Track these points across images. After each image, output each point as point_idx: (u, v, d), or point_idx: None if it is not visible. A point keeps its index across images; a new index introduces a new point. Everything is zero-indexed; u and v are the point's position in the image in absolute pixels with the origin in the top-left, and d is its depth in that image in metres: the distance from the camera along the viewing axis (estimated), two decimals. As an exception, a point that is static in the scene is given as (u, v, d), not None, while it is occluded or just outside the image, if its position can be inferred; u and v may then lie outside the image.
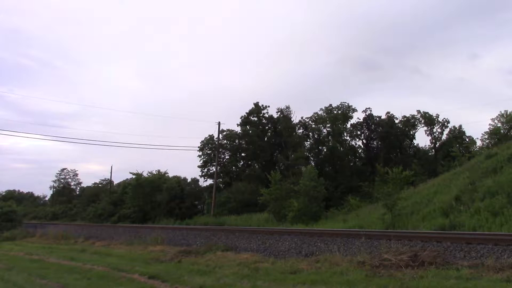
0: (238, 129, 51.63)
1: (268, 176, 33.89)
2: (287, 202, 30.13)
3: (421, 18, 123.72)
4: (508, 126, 40.72)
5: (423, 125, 51.07)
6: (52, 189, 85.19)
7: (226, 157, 51.99)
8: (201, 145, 50.71)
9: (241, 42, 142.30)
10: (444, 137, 50.66)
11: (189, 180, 55.97)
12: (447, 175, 25.67)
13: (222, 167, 50.17)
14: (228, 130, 51.19)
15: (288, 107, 50.63)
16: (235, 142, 51.85)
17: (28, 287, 10.86)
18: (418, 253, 9.40)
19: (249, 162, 51.62)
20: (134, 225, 34.61)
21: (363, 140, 53.10)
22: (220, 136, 46.56)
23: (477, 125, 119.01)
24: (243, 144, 51.25)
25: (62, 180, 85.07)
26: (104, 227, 32.74)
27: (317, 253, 12.74)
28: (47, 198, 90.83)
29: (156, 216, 44.27)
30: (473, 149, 39.44)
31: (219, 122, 43.16)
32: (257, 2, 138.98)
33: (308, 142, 52.06)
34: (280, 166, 46.81)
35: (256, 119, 51.76)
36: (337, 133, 50.15)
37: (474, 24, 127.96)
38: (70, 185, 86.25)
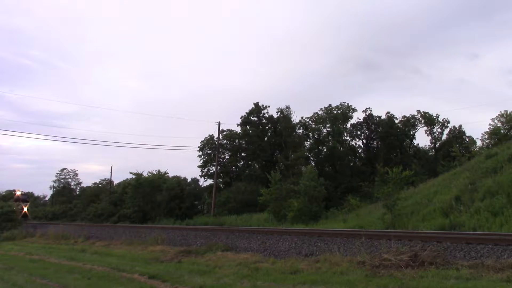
0: (238, 129, 51.72)
1: (268, 176, 33.90)
2: (287, 202, 30.11)
3: (421, 18, 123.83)
4: (508, 126, 40.75)
5: (423, 125, 51.19)
6: (52, 189, 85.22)
7: (226, 157, 51.98)
8: (201, 145, 50.74)
9: (241, 42, 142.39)
10: (444, 137, 50.77)
11: (189, 180, 56.15)
12: (447, 175, 25.67)
13: (222, 167, 50.16)
14: (228, 130, 51.26)
15: (288, 107, 50.65)
16: (235, 142, 51.84)
17: (28, 287, 10.86)
18: (418, 253, 9.40)
19: (249, 162, 51.61)
20: (134, 225, 34.58)
21: (363, 140, 53.19)
22: (220, 136, 46.59)
23: (477, 125, 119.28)
24: (243, 144, 51.24)
25: (62, 180, 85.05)
26: (104, 227, 32.73)
27: (317, 253, 12.74)
28: (47, 198, 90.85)
29: (156, 216, 44.26)
30: (473, 149, 39.44)
31: (219, 122, 43.24)
32: (257, 2, 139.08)
33: (308, 142, 52.11)
34: (280, 166, 46.80)
35: (256, 119, 51.77)
36: (337, 133, 50.20)
37: (474, 24, 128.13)
38: (70, 185, 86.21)
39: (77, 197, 74.23)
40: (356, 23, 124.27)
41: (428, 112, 50.73)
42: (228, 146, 51.59)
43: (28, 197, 64.05)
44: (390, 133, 49.58)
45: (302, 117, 52.84)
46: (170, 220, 40.38)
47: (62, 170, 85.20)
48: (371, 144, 52.91)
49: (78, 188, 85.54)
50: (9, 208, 39.89)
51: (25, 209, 52.75)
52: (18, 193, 57.49)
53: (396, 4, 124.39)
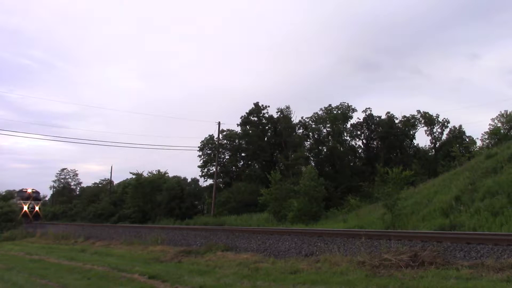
0: (238, 129, 51.73)
1: (268, 176, 33.88)
2: (287, 202, 30.10)
3: (421, 18, 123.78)
4: (508, 126, 40.70)
5: (423, 125, 51.08)
6: (52, 189, 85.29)
7: (226, 157, 51.98)
8: (201, 145, 50.73)
9: (241, 42, 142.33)
10: (444, 137, 50.68)
11: (189, 180, 56.03)
12: (447, 175, 25.65)
13: (222, 167, 50.17)
14: (228, 130, 51.25)
15: (288, 107, 50.67)
16: (235, 142, 51.84)
17: (28, 287, 10.86)
18: (418, 253, 9.41)
19: (249, 162, 51.61)
20: (134, 225, 34.63)
21: (363, 140, 53.13)
22: (220, 136, 46.61)
23: (477, 125, 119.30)
24: (243, 144, 51.24)
25: (62, 180, 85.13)
26: (104, 227, 32.76)
27: (317, 253, 12.75)
28: (47, 198, 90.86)
29: (156, 216, 44.31)
30: (473, 149, 39.40)
31: (219, 122, 43.23)
32: (257, 2, 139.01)
33: (308, 142, 52.07)
34: (280, 166, 46.79)
35: (256, 119, 51.75)
36: (337, 133, 50.15)
37: (474, 24, 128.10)
38: (70, 185, 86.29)
39: (77, 197, 74.25)
40: (356, 23, 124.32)
41: (428, 112, 50.68)
42: (228, 146, 51.58)
43: (40, 195, 57.77)
44: (390, 133, 49.54)
45: (302, 117, 52.86)
46: (170, 220, 40.42)
47: (62, 170, 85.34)
48: (371, 144, 52.88)
49: (78, 188, 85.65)
50: (9, 208, 39.88)
51: (36, 208, 49.16)
52: (29, 190, 51.96)
53: (396, 4, 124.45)
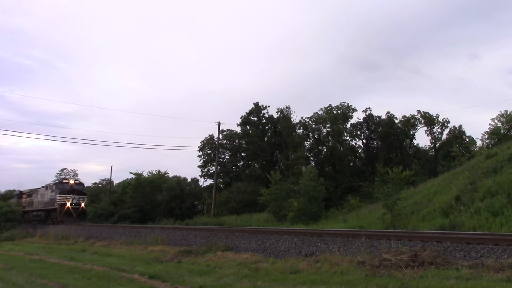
0: (238, 129, 51.72)
1: (268, 176, 33.88)
2: (287, 202, 30.12)
3: (421, 18, 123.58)
4: (508, 126, 40.74)
5: (423, 125, 51.09)
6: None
7: (226, 157, 52.00)
8: (201, 145, 50.75)
9: (241, 42, 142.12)
10: (444, 137, 50.68)
11: (189, 180, 56.08)
12: (447, 175, 25.67)
13: (222, 167, 50.17)
14: (228, 130, 51.23)
15: (288, 107, 50.65)
16: (235, 142, 51.86)
17: (28, 287, 10.87)
18: (418, 253, 9.41)
19: (249, 162, 51.62)
20: (134, 225, 34.58)
21: (363, 140, 53.14)
22: (220, 136, 46.59)
23: (477, 125, 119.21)
24: (243, 144, 51.26)
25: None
26: (104, 227, 32.71)
27: (317, 253, 12.74)
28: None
29: (156, 216, 44.24)
30: (473, 149, 39.43)
31: (219, 122, 43.17)
32: (257, 2, 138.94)
33: (308, 142, 52.07)
34: (280, 166, 46.81)
35: (256, 119, 51.76)
36: (337, 133, 50.15)
37: (474, 24, 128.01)
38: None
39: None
40: (356, 23, 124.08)
41: (428, 112, 50.67)
42: (228, 146, 51.59)
43: (84, 188, 46.83)
44: (390, 133, 49.54)
45: (302, 117, 52.81)
46: (170, 220, 40.35)
47: (62, 170, 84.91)
48: (371, 144, 52.89)
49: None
50: (9, 208, 39.88)
51: (82, 204, 41.03)
52: (71, 181, 42.35)
53: (396, 4, 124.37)
